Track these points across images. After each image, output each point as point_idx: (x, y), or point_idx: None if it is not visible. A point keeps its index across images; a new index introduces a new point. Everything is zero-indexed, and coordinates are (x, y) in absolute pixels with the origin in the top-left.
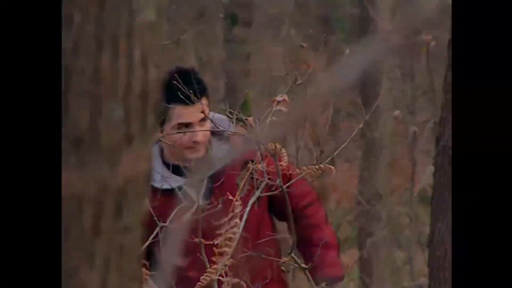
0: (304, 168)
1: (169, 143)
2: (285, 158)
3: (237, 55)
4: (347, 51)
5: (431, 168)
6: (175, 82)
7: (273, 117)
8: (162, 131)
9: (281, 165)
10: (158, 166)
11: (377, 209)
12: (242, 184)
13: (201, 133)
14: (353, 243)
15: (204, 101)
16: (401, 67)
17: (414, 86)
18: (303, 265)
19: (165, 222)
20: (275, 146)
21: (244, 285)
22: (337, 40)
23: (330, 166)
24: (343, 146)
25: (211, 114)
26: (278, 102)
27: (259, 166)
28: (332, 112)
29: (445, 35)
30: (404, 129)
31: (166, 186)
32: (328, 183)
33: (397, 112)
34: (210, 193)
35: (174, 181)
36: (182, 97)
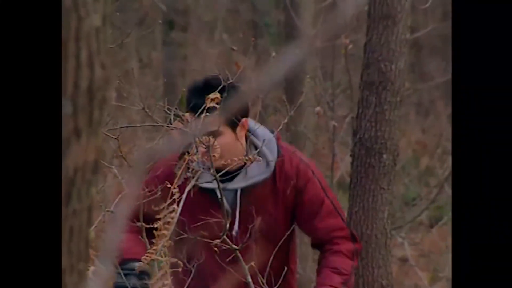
0: (235, 159)
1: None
2: (218, 150)
3: (175, 56)
4: (274, 53)
5: (349, 158)
6: (191, 94)
7: (207, 113)
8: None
9: (214, 156)
10: (198, 164)
11: None
12: (179, 173)
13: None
14: None
15: (214, 116)
16: (322, 67)
17: (334, 84)
18: (235, 246)
19: (201, 219)
20: (209, 139)
21: (181, 263)
22: (265, 44)
23: (258, 157)
24: (270, 138)
25: (260, 129)
26: (212, 99)
27: (195, 157)
28: (260, 108)
29: (362, 38)
30: (325, 123)
31: (204, 185)
32: None
33: (318, 108)
34: (239, 202)
35: (210, 183)
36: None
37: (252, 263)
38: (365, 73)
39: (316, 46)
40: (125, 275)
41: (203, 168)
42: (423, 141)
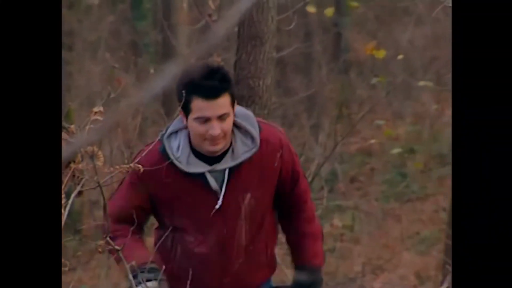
0: (117, 167)
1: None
2: (101, 159)
3: (62, 74)
4: (152, 70)
5: None
6: (198, 75)
7: (91, 125)
8: (186, 120)
9: (98, 164)
10: (185, 150)
11: None
12: (66, 180)
13: (218, 127)
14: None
15: (225, 98)
16: None
17: None
18: (117, 247)
19: (189, 203)
20: (93, 149)
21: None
22: (144, 62)
23: (139, 166)
24: (150, 147)
25: (238, 108)
26: (96, 112)
27: (80, 165)
28: (140, 120)
29: (232, 57)
30: None
31: (191, 170)
32: None
33: None
34: (229, 181)
35: (198, 167)
36: (203, 91)
37: (133, 263)
38: (236, 88)
39: (190, 63)
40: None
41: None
42: None
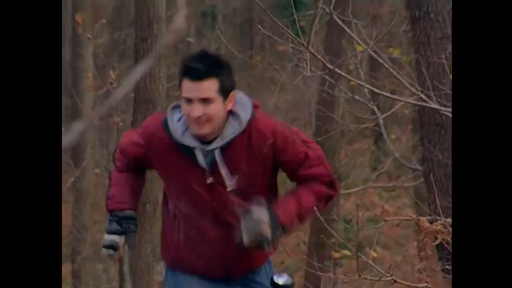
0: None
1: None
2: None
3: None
4: (63, 129)
5: None
6: (190, 58)
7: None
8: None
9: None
10: (183, 125)
11: (84, 236)
12: None
13: (199, 110)
14: (67, 259)
15: (210, 82)
16: (100, 139)
17: (109, 153)
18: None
19: (179, 176)
20: None
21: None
22: None
23: None
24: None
25: (239, 95)
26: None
27: None
28: None
29: (129, 117)
30: (103, 184)
31: (184, 142)
32: None
33: (97, 170)
34: (216, 162)
35: (190, 142)
36: (190, 71)
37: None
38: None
39: (94, 123)
40: (110, 222)
41: (186, 132)
42: None
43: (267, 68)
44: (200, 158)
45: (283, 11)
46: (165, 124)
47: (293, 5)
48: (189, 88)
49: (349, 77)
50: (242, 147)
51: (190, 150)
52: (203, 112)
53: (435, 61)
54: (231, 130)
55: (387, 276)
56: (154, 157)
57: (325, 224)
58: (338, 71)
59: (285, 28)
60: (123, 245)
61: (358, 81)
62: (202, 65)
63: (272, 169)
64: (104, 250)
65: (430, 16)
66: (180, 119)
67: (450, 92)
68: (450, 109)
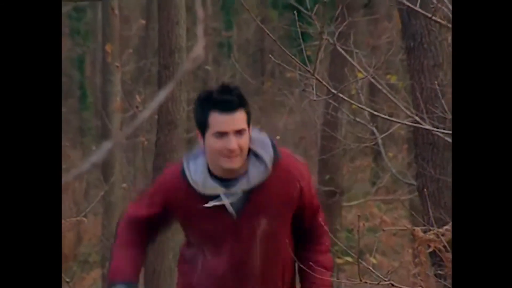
0: None
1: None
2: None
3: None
4: (94, 147)
5: None
6: (215, 91)
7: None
8: (204, 139)
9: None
10: (203, 173)
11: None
12: None
13: (235, 142)
14: (97, 265)
15: (241, 114)
16: (127, 157)
17: (135, 169)
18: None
19: (205, 224)
20: None
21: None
22: (88, 141)
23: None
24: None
25: (254, 133)
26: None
27: None
28: (85, 184)
29: (153, 137)
30: (130, 197)
31: (207, 192)
32: None
33: (124, 185)
34: (244, 205)
35: (214, 189)
36: (220, 105)
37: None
38: (156, 161)
39: (122, 142)
40: None
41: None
42: None
43: (277, 93)
44: (228, 205)
45: (291, 42)
46: (183, 175)
47: (300, 37)
48: (222, 121)
49: (351, 101)
50: (271, 189)
51: (214, 197)
52: (238, 144)
53: (428, 87)
54: (256, 172)
55: (386, 281)
56: (174, 208)
57: (329, 233)
58: (341, 95)
59: (293, 57)
60: None
61: (359, 105)
62: (233, 97)
63: (295, 210)
64: None
65: (423, 46)
66: (196, 169)
67: (442, 114)
68: (442, 130)
